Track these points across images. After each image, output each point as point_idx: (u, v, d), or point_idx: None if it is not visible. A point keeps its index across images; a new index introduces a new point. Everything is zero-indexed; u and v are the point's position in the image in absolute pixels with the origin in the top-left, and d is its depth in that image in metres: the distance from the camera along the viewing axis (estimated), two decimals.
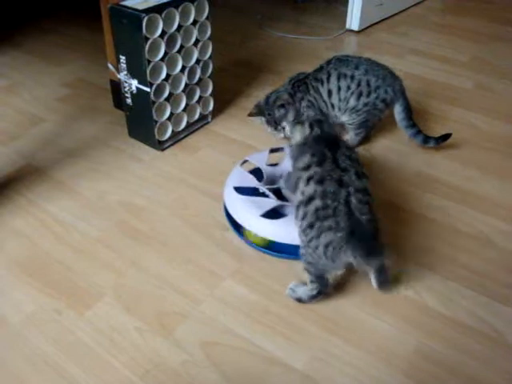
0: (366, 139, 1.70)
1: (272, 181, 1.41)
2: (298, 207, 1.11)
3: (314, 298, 1.16)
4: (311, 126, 1.25)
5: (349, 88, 1.58)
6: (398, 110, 1.62)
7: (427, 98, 1.97)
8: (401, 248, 1.32)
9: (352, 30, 2.57)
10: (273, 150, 1.50)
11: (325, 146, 1.15)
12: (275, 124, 1.60)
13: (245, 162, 1.47)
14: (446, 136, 1.63)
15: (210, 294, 1.21)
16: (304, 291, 1.17)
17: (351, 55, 1.63)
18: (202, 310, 1.17)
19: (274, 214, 1.30)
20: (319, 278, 1.13)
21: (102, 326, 1.13)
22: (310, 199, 1.07)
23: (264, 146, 1.70)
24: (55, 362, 1.06)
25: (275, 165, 1.47)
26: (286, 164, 1.44)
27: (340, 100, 1.61)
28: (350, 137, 1.67)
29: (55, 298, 1.20)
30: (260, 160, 1.47)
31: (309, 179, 1.09)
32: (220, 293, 1.21)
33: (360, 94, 1.58)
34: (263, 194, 1.35)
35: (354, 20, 2.54)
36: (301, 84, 1.63)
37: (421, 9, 2.88)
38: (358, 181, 1.09)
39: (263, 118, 1.61)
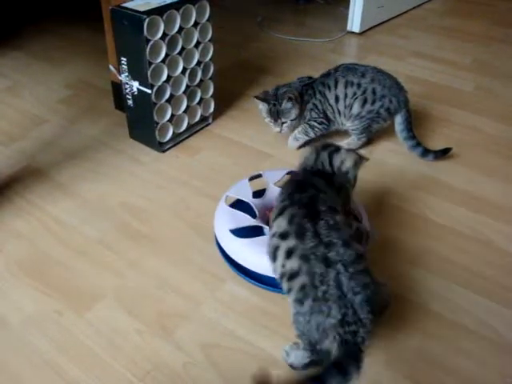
0: (367, 142, 1.70)
1: (264, 213, 1.32)
2: (280, 278, 0.99)
3: (307, 366, 1.02)
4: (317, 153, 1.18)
5: (354, 94, 1.59)
6: (398, 121, 1.63)
7: (429, 101, 1.97)
8: (402, 250, 1.32)
9: (353, 32, 2.57)
10: (252, 178, 1.40)
11: (303, 210, 1.00)
12: (277, 115, 1.62)
13: (227, 197, 1.36)
14: (446, 150, 1.62)
15: (211, 296, 1.20)
16: (297, 357, 1.04)
17: (359, 63, 1.65)
18: (203, 312, 1.17)
19: None
20: (313, 347, 0.98)
21: (103, 328, 1.13)
22: (294, 275, 0.95)
23: (263, 147, 1.70)
24: (55, 363, 1.06)
25: (261, 192, 1.37)
26: (274, 192, 1.34)
27: (345, 107, 1.62)
28: (352, 140, 1.67)
29: (55, 300, 1.19)
30: (243, 193, 1.36)
31: (290, 253, 0.96)
32: (220, 294, 1.21)
33: (365, 101, 1.59)
34: (259, 231, 1.27)
35: (355, 22, 2.54)
36: (308, 88, 1.65)
37: (422, 11, 2.88)
38: (347, 251, 0.94)
39: (266, 106, 1.62)
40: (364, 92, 1.58)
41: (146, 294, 1.21)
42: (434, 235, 1.37)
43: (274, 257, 1.01)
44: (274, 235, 1.02)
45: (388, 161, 1.65)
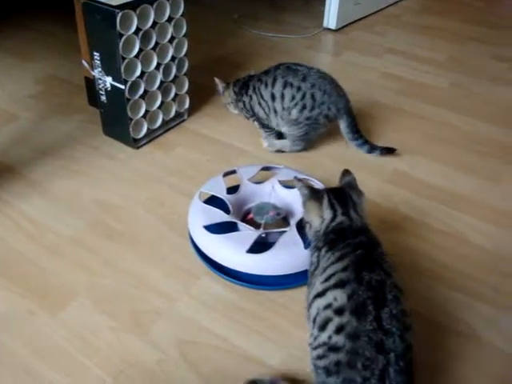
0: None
1: (239, 209, 1.34)
2: (320, 345, 0.90)
3: None
4: (332, 207, 1.07)
5: (293, 98, 1.56)
6: (342, 126, 1.64)
7: (404, 97, 1.98)
8: None
9: (329, 29, 2.58)
10: (226, 174, 1.40)
11: (370, 293, 0.90)
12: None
13: (201, 193, 1.35)
14: (391, 149, 1.65)
15: (186, 293, 1.19)
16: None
17: (302, 64, 1.60)
18: (178, 309, 1.16)
19: (259, 246, 1.20)
20: None
21: (76, 326, 1.11)
22: (335, 349, 0.87)
23: (238, 143, 1.70)
24: (27, 363, 1.04)
25: (236, 188, 1.37)
26: (248, 187, 1.37)
27: (283, 109, 1.59)
28: (287, 143, 1.66)
29: (28, 299, 1.17)
30: (218, 189, 1.35)
31: (340, 329, 0.88)
32: (195, 291, 1.20)
33: (303, 107, 1.56)
34: (233, 227, 1.28)
35: (331, 19, 2.55)
36: (244, 86, 1.67)
37: (398, 9, 2.90)
38: (401, 344, 0.87)
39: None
40: (303, 97, 1.55)
41: (120, 291, 1.20)
42: (407, 230, 1.38)
43: (322, 327, 0.91)
44: (327, 307, 0.91)
45: (363, 157, 1.66)
